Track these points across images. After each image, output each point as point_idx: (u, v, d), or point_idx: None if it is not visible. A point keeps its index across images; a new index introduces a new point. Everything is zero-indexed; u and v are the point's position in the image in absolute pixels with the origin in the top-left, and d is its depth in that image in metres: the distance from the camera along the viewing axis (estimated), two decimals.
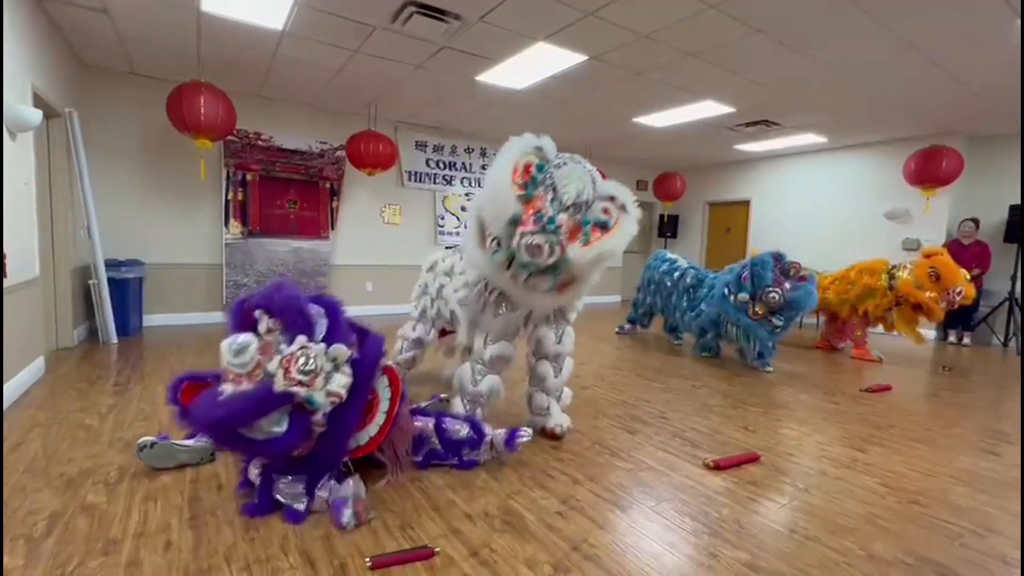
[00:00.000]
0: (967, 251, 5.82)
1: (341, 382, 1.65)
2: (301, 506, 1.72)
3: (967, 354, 5.42)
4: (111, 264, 4.54)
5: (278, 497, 1.73)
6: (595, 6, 3.24)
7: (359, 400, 1.75)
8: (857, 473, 2.26)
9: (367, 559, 1.49)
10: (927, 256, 4.45)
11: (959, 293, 4.29)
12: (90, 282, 4.37)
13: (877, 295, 4.61)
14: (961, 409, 3.36)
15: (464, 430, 2.14)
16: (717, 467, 2.23)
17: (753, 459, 2.35)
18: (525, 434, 2.13)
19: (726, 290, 4.19)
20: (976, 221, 5.86)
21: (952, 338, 6.06)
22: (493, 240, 2.05)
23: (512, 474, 2.13)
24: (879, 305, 4.63)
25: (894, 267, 4.65)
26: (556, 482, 2.07)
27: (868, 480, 2.19)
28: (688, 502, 1.94)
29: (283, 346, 1.64)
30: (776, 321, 4.00)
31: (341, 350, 1.67)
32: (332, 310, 1.78)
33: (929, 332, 6.19)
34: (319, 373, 1.60)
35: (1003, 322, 5.78)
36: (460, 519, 1.76)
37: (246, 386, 1.59)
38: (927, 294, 4.30)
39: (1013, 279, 5.67)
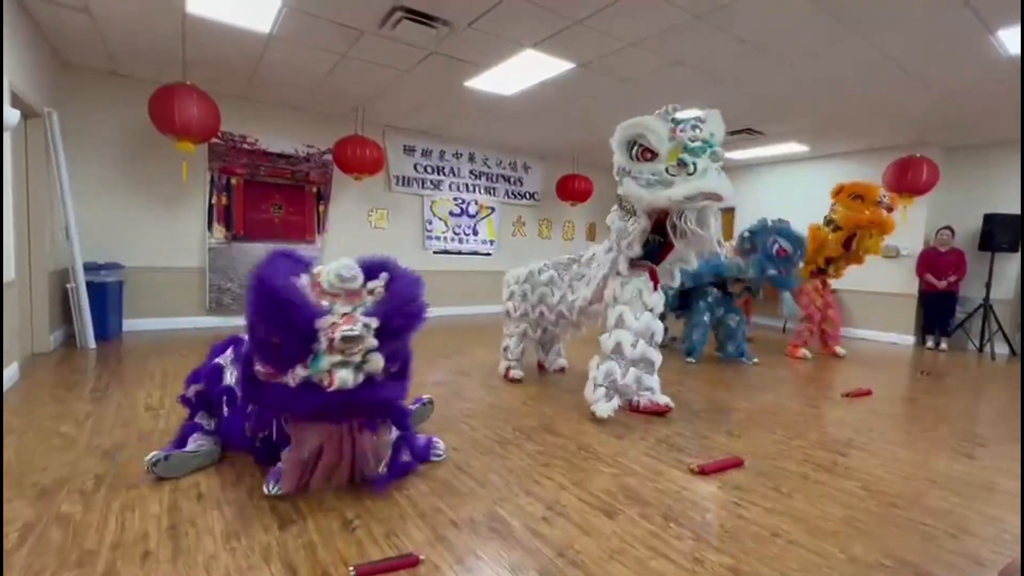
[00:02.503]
0: (944, 258, 5.98)
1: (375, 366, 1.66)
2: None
3: (944, 359, 5.55)
4: (90, 267, 4.44)
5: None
6: (583, 15, 3.28)
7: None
8: (838, 477, 2.30)
9: (351, 568, 1.47)
10: (837, 193, 4.95)
11: (886, 196, 4.80)
12: (68, 286, 4.27)
13: (831, 241, 4.97)
14: (938, 413, 3.43)
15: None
16: (702, 472, 2.25)
17: (737, 463, 2.37)
18: (440, 452, 2.23)
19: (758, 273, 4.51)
20: (952, 229, 6.03)
21: (930, 343, 6.20)
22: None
23: (498, 480, 2.13)
24: (835, 248, 4.98)
25: (827, 221, 5.06)
26: (542, 488, 2.07)
27: (848, 484, 2.23)
28: (673, 507, 1.96)
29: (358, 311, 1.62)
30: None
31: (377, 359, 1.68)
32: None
33: (907, 337, 6.35)
34: (357, 346, 1.59)
35: (979, 328, 5.94)
36: (446, 526, 1.75)
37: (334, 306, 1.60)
38: (866, 213, 4.73)
39: (988, 286, 5.83)
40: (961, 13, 3.05)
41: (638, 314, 2.90)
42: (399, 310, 1.66)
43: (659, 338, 2.99)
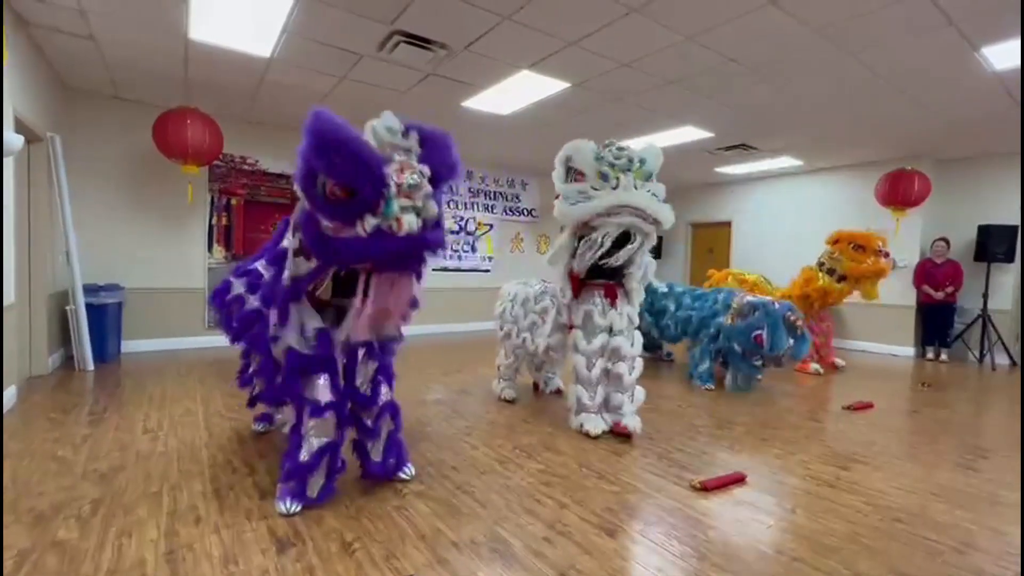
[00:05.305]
0: (940, 270, 6.02)
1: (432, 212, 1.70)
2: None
3: (944, 370, 5.54)
4: (90, 289, 4.45)
5: None
6: (577, 36, 3.35)
7: None
8: (841, 492, 2.29)
9: None
10: (836, 242, 4.99)
11: (883, 244, 4.88)
12: (67, 308, 4.27)
13: (836, 289, 5.01)
14: (940, 425, 3.42)
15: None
16: (704, 488, 2.24)
17: (739, 479, 2.36)
18: (406, 475, 2.26)
19: (735, 346, 3.98)
20: (947, 241, 6.07)
21: (930, 355, 6.20)
22: None
23: (499, 499, 2.11)
24: (838, 296, 5.05)
25: (820, 264, 5.10)
26: (543, 507, 2.06)
27: (852, 498, 2.22)
28: (675, 525, 1.94)
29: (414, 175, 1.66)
30: (756, 363, 3.99)
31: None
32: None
33: (908, 349, 6.34)
34: (420, 191, 1.64)
35: (978, 338, 5.94)
36: (447, 547, 1.74)
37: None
38: (868, 262, 4.82)
39: (985, 296, 5.85)
40: (946, 31, 3.13)
41: (590, 337, 2.90)
42: (441, 162, 1.76)
43: (628, 352, 2.88)
